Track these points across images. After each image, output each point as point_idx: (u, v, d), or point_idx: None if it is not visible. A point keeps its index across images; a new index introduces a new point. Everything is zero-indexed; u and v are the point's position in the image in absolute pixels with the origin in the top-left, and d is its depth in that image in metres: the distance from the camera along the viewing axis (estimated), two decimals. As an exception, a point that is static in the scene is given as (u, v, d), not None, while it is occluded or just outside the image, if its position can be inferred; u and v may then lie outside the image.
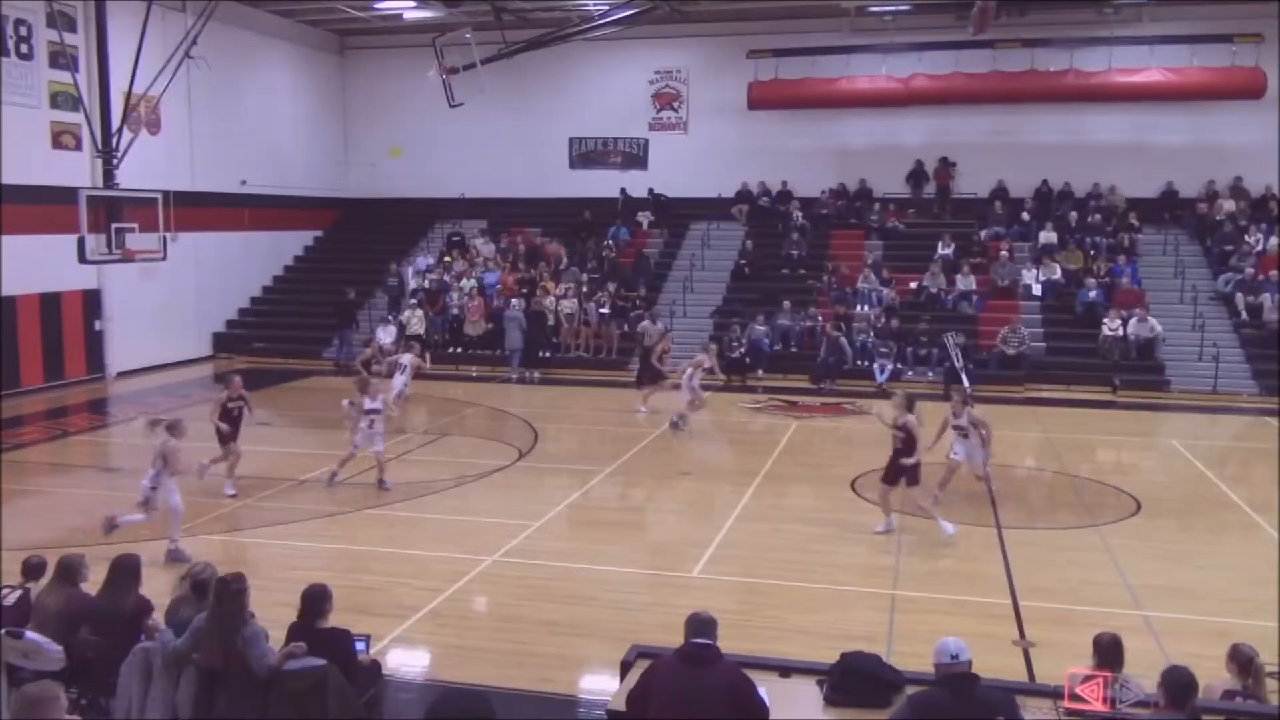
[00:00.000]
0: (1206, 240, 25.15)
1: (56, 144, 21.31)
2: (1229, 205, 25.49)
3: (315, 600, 6.41)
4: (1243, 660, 6.37)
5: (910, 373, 22.54)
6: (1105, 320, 22.64)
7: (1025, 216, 26.52)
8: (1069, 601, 9.54)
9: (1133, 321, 22.45)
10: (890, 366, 22.32)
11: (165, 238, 20.02)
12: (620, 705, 5.63)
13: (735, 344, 22.80)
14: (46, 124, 21.08)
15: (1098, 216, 26.06)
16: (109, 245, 18.24)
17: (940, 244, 25.72)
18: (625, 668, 6.14)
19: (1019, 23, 25.55)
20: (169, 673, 6.06)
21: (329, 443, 15.78)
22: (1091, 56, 25.81)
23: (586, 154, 30.20)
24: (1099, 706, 5.73)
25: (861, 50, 26.70)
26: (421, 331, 24.25)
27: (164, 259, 20.35)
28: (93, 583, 6.98)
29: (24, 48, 20.51)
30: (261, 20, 27.29)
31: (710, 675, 5.33)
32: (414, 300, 25.51)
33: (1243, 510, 13.05)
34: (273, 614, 6.71)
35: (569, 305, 24.95)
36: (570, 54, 27.92)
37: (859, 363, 22.76)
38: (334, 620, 6.47)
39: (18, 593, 6.97)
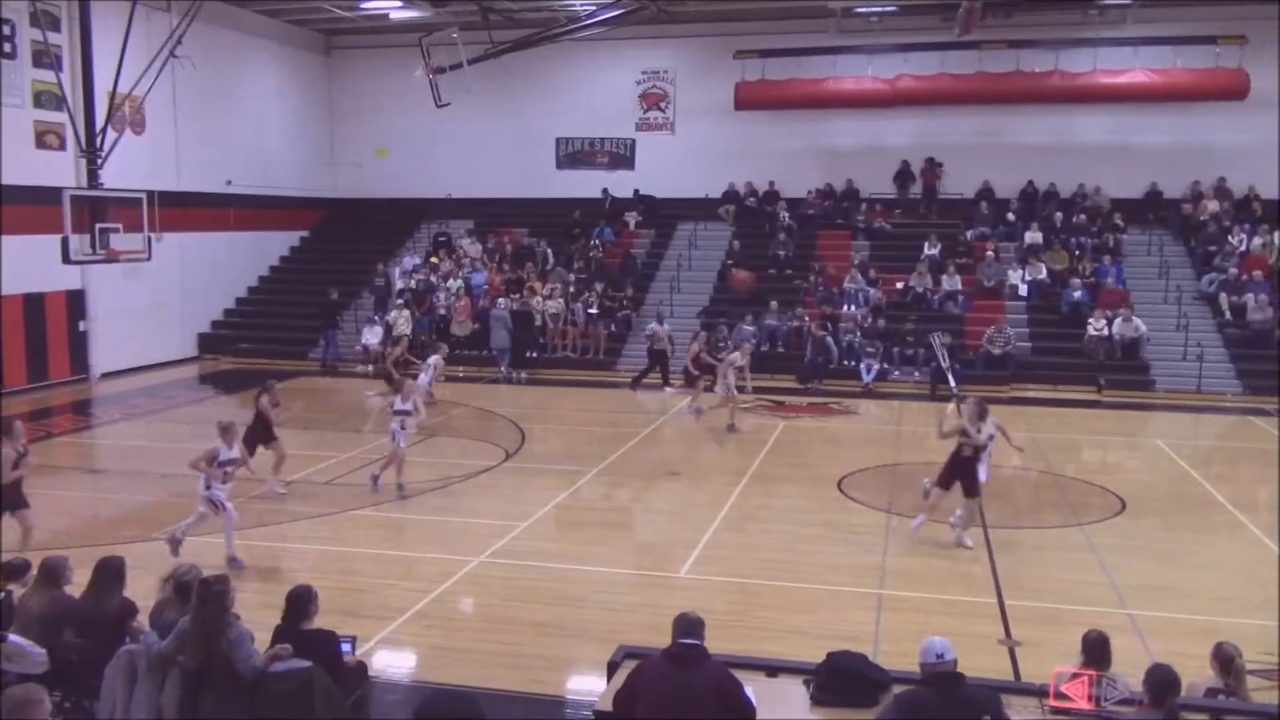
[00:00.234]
0: (1191, 241, 25.28)
1: (40, 144, 21.17)
2: (1213, 206, 25.63)
3: (300, 602, 6.39)
4: (1224, 659, 6.42)
5: (897, 373, 22.61)
6: (1090, 320, 22.74)
7: (1011, 217, 26.62)
8: (1055, 601, 9.59)
9: (1118, 321, 22.55)
10: (877, 367, 22.37)
11: (150, 238, 19.97)
12: (607, 706, 5.63)
13: (722, 344, 22.78)
14: (30, 124, 20.93)
15: (1083, 217, 26.17)
16: (93, 246, 18.16)
17: (926, 244, 25.79)
18: (612, 668, 6.14)
19: (1005, 24, 25.70)
20: (154, 675, 6.02)
21: (317, 444, 15.77)
22: (1077, 58, 25.91)
23: (574, 154, 30.19)
24: (1084, 705, 5.75)
25: (848, 51, 26.76)
26: (408, 332, 24.22)
27: (149, 259, 20.29)
28: (76, 584, 6.94)
29: (7, 46, 20.37)
30: (247, 20, 27.18)
31: (697, 675, 5.33)
32: (400, 301, 25.45)
33: (1227, 509, 13.13)
34: (260, 616, 6.68)
35: (555, 305, 24.94)
36: (557, 54, 27.92)
37: (845, 363, 22.80)
38: (320, 621, 6.45)
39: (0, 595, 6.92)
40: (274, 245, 29.65)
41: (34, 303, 21.24)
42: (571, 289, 25.61)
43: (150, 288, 23.81)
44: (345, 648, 6.56)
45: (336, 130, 31.47)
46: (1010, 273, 24.88)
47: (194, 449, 12.96)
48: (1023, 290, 24.52)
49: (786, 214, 27.50)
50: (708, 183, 28.62)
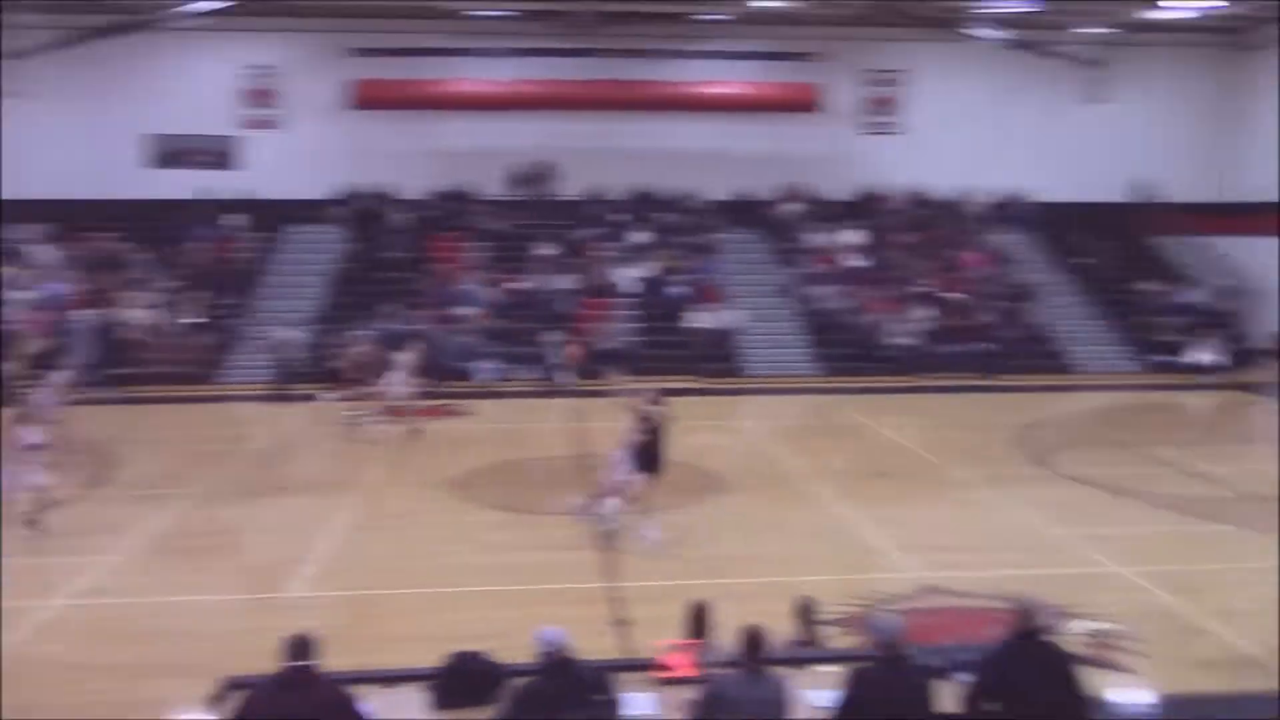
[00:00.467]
0: (775, 239, 27.88)
1: None
2: (793, 207, 28.40)
3: None
4: (801, 612, 7.18)
5: (514, 372, 22.98)
6: (691, 314, 24.43)
7: (620, 218, 27.93)
8: (660, 578, 10.17)
9: (714, 315, 24.40)
10: (493, 367, 22.64)
11: None
12: (212, 742, 5.29)
13: (334, 352, 22.06)
14: None
15: (684, 218, 28.04)
16: None
17: (541, 245, 26.45)
18: (217, 701, 5.81)
19: (614, 34, 26.90)
20: None
21: None
22: (679, 69, 27.75)
23: (170, 152, 27.85)
24: (688, 671, 6.17)
25: (462, 53, 26.89)
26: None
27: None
28: None
29: None
30: None
31: (308, 698, 5.14)
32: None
33: (806, 479, 14.59)
34: None
35: (150, 316, 22.93)
36: (150, 45, 25.67)
37: (462, 363, 22.87)
38: None
39: None
40: None
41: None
42: (168, 298, 23.68)
43: None
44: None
45: None
46: (619, 271, 26.13)
47: None
48: (631, 288, 25.85)
49: (402, 216, 27.11)
50: (319, 183, 27.49)
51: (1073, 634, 8.69)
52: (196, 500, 13.46)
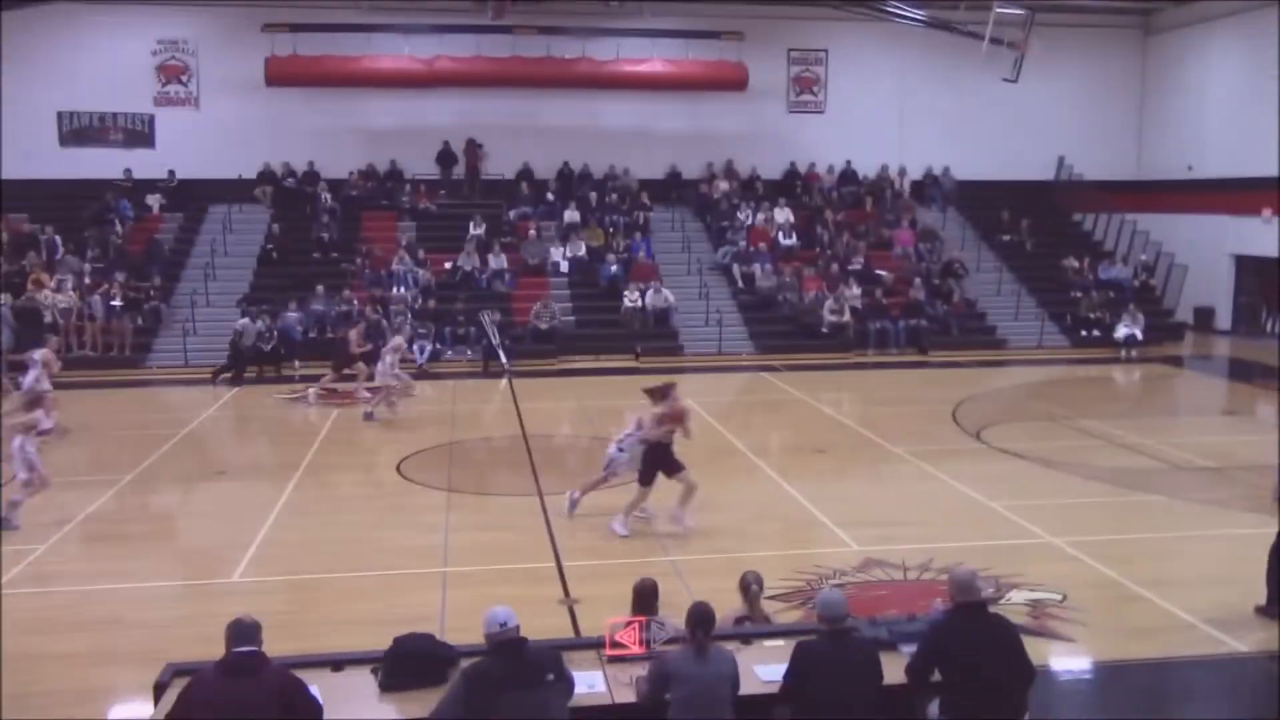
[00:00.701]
0: (707, 217, 27.95)
1: None
2: (724, 185, 28.49)
3: None
4: (744, 588, 7.26)
5: (450, 352, 22.80)
6: (625, 293, 24.40)
7: (550, 197, 27.77)
8: (608, 557, 10.19)
9: (650, 293, 24.40)
10: (429, 347, 22.41)
11: None
12: (156, 732, 5.17)
13: (267, 334, 21.66)
14: None
15: (614, 196, 27.97)
16: None
17: (472, 224, 26.19)
18: (160, 690, 5.66)
19: (535, 10, 26.63)
20: None
21: None
22: (602, 46, 27.54)
23: (80, 130, 27.02)
24: (636, 649, 6.17)
25: (382, 29, 26.40)
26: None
27: None
28: None
29: None
30: None
31: (255, 683, 5.04)
32: None
33: (747, 456, 14.69)
34: None
35: (67, 299, 22.25)
36: (54, 17, 24.82)
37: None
38: None
39: None
40: None
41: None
42: (87, 280, 22.99)
43: None
44: None
45: None
46: (552, 250, 25.99)
47: None
48: (564, 267, 25.73)
49: (328, 195, 26.64)
50: (241, 162, 26.90)
51: (1012, 604, 8.89)
52: (133, 486, 13.12)
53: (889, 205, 28.52)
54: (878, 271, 25.96)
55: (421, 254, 25.28)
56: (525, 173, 28.33)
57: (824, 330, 24.08)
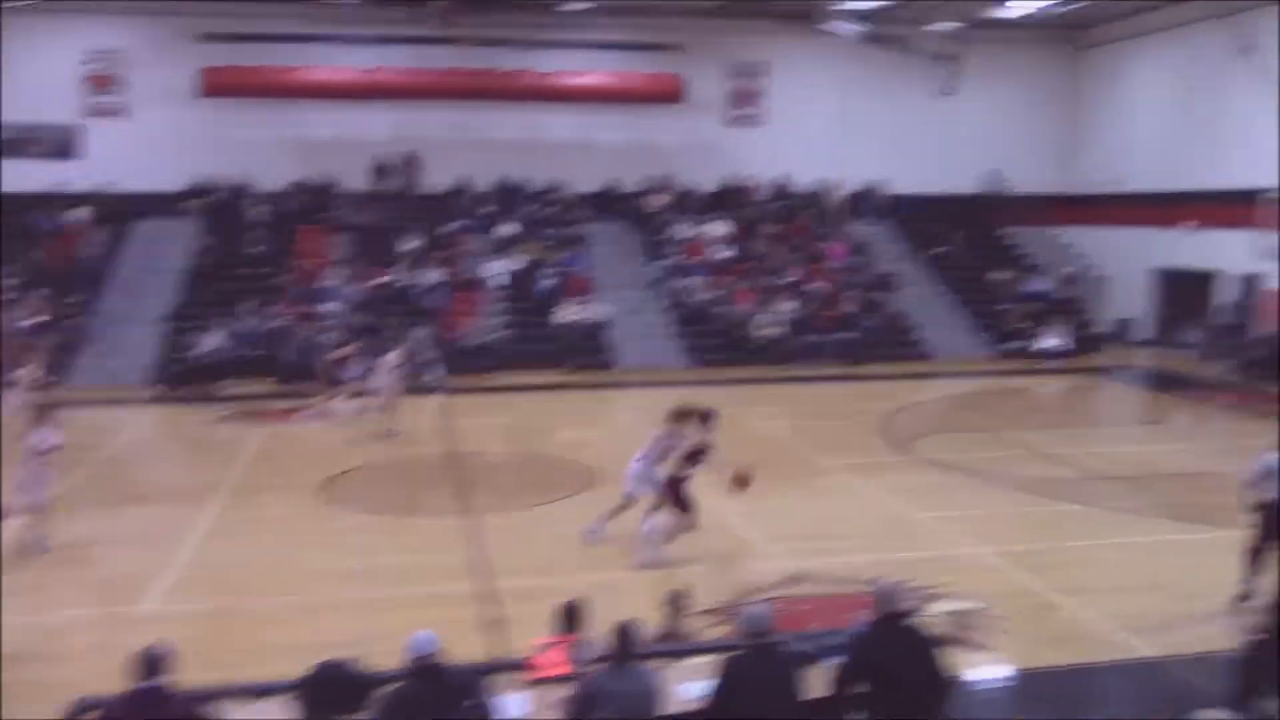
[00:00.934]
0: (643, 231, 28.01)
1: None
2: (661, 199, 28.58)
3: None
4: (669, 603, 7.27)
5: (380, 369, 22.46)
6: (561, 307, 24.35)
7: (487, 210, 27.62)
8: (535, 577, 10.12)
9: (584, 307, 24.38)
10: (359, 365, 22.07)
11: None
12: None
13: (191, 351, 21.29)
14: None
15: (552, 209, 27.92)
16: None
17: (407, 238, 25.96)
18: (68, 725, 5.51)
19: (477, 22, 26.47)
20: None
21: None
22: (544, 58, 27.56)
23: (8, 142, 26.28)
24: (561, 669, 6.16)
25: (320, 40, 26.16)
26: None
27: None
28: None
29: None
30: None
31: (162, 716, 4.94)
32: None
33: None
34: None
35: (-12, 316, 21.68)
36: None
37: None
38: None
39: None
40: None
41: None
42: (4, 297, 22.38)
43: None
44: None
45: None
46: (488, 264, 25.86)
47: None
48: (500, 280, 25.61)
49: (261, 208, 26.23)
50: (171, 175, 26.37)
51: (935, 615, 9.01)
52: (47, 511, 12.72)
53: (822, 219, 28.82)
54: (810, 285, 26.20)
55: (354, 269, 24.97)
56: (463, 186, 28.14)
57: (757, 344, 24.23)
